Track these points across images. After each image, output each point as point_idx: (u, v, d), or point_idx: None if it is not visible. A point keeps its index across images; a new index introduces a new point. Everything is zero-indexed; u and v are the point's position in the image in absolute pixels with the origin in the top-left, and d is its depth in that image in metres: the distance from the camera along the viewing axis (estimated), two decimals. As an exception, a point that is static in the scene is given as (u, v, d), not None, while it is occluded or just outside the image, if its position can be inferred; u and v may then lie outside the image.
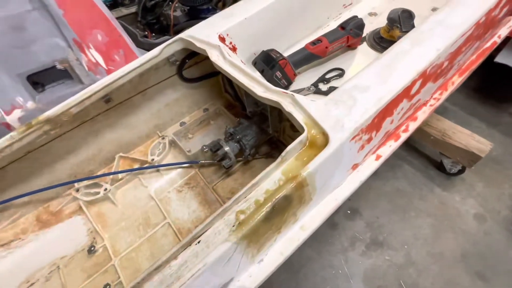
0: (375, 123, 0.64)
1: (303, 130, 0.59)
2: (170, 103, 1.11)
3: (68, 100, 0.76)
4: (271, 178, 0.55)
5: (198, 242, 0.50)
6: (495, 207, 1.20)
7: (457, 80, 0.93)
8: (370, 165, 0.72)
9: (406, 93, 0.68)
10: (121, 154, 1.06)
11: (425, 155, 1.38)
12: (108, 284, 0.83)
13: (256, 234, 0.52)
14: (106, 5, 1.61)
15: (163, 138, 1.10)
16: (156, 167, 1.03)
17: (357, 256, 1.11)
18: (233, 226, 0.51)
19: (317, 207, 0.64)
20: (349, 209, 1.23)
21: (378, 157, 0.74)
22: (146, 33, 1.41)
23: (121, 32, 0.93)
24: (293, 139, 0.97)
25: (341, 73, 1.04)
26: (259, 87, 0.71)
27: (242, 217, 0.52)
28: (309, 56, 1.00)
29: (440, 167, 1.31)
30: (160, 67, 0.96)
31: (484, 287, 1.02)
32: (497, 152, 1.35)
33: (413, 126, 0.81)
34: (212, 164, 1.06)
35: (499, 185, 1.27)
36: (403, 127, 0.80)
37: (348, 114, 0.61)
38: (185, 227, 0.94)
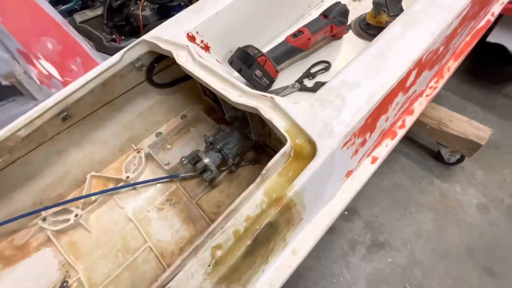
0: (369, 124, 0.56)
1: (286, 140, 0.50)
2: (143, 113, 1.01)
3: (14, 122, 0.65)
4: (252, 201, 0.46)
5: (168, 290, 0.41)
6: (498, 196, 1.14)
7: (452, 65, 0.85)
8: (366, 170, 0.64)
9: (401, 86, 0.60)
10: (92, 173, 0.95)
11: (422, 145, 1.31)
12: (83, 326, 0.73)
13: (238, 272, 0.44)
14: (75, 8, 1.48)
15: (139, 152, 1.00)
16: (132, 186, 0.93)
17: (358, 260, 1.05)
18: (209, 265, 0.42)
19: (309, 225, 0.55)
20: (346, 209, 1.15)
21: (374, 160, 0.65)
22: (114, 36, 1.29)
23: (77, 38, 0.82)
24: (281, 142, 0.89)
25: (327, 66, 0.95)
26: (234, 90, 0.61)
27: (219, 253, 0.43)
28: (290, 50, 0.91)
29: (438, 157, 1.25)
30: (125, 74, 0.86)
31: (493, 283, 0.96)
32: (495, 136, 1.29)
33: (410, 120, 0.73)
34: (195, 177, 0.97)
35: (500, 171, 1.21)
36: (399, 123, 0.72)
37: (337, 116, 0.52)
38: (168, 249, 0.85)
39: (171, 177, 0.94)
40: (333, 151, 0.49)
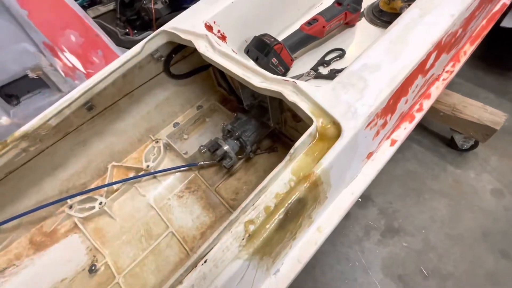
0: (390, 105, 0.57)
1: (311, 121, 0.52)
2: (160, 104, 1.03)
3: (45, 112, 0.68)
4: (281, 180, 0.48)
5: (205, 262, 0.43)
6: (513, 181, 1.15)
7: (469, 49, 0.85)
8: (386, 152, 0.65)
9: (421, 68, 0.60)
10: (113, 163, 0.98)
11: (434, 132, 1.31)
12: (113, 305, 0.77)
13: (270, 246, 0.46)
14: (84, 5, 1.50)
15: (157, 142, 1.03)
16: (153, 174, 0.96)
17: (373, 245, 1.06)
18: (243, 239, 0.44)
19: (332, 205, 0.57)
20: (360, 197, 1.17)
21: (393, 142, 0.67)
22: (127, 30, 1.31)
23: (98, 31, 0.84)
24: (297, 130, 0.90)
25: (341, 53, 0.96)
26: (256, 77, 0.63)
27: (251, 228, 0.45)
28: (305, 38, 0.92)
29: (451, 143, 1.25)
30: (144, 65, 0.88)
31: (509, 265, 0.97)
32: (509, 122, 1.28)
33: (427, 104, 0.74)
34: (212, 165, 0.99)
35: (514, 156, 1.21)
36: (417, 106, 0.73)
37: (360, 98, 0.54)
38: (190, 234, 0.88)
39: (190, 165, 0.96)
40: (357, 131, 0.51)
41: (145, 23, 1.43)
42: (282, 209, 0.45)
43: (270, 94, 0.59)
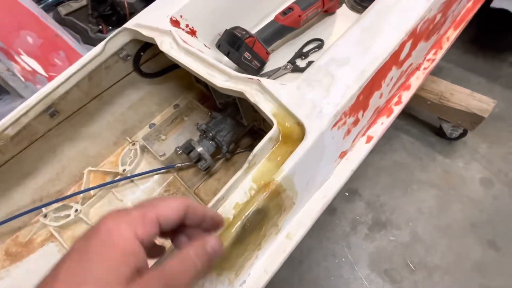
0: (361, 102, 0.53)
1: (272, 122, 0.48)
2: (134, 104, 0.99)
3: (1, 122, 0.64)
4: (241, 188, 0.45)
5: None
6: (502, 169, 1.12)
7: (452, 35, 0.80)
8: (361, 150, 0.62)
9: (394, 60, 0.56)
10: (89, 168, 0.95)
11: (422, 121, 1.28)
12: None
13: (229, 260, 0.43)
14: (62, 0, 1.43)
15: (134, 144, 0.99)
16: (129, 178, 0.93)
17: (360, 240, 1.05)
18: (198, 255, 0.41)
19: (303, 209, 0.54)
20: (347, 191, 1.15)
21: (369, 139, 0.63)
22: (101, 27, 1.25)
23: (58, 31, 0.79)
24: (275, 127, 0.87)
25: (320, 44, 0.91)
26: (220, 75, 0.59)
27: (208, 242, 0.42)
28: (280, 29, 0.87)
29: (439, 132, 1.22)
30: (111, 65, 0.83)
31: (496, 255, 0.96)
32: (500, 107, 1.25)
33: (406, 96, 0.70)
34: (191, 166, 0.96)
35: (504, 143, 1.18)
36: (395, 99, 0.69)
37: (326, 95, 0.50)
38: (169, 240, 0.86)
39: (167, 168, 0.93)
40: (322, 132, 0.47)
41: (121, 18, 1.36)
42: (239, 222, 0.42)
43: (233, 94, 0.56)
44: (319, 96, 0.50)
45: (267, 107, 0.51)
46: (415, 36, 0.59)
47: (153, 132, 1.00)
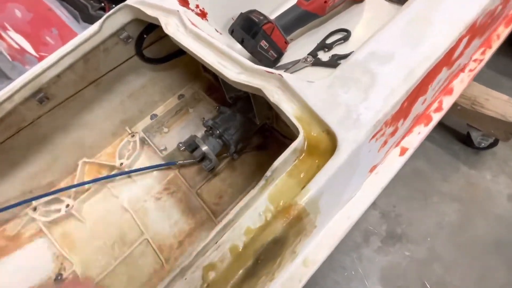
0: (404, 108, 0.44)
1: (297, 130, 0.39)
2: (136, 92, 0.90)
3: (-20, 106, 0.56)
4: (254, 209, 0.37)
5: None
6: (534, 185, 1.02)
7: (503, 32, 0.69)
8: (394, 163, 0.53)
9: (447, 59, 0.46)
10: (84, 159, 0.88)
11: (448, 127, 1.17)
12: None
13: (235, 297, 0.35)
14: None
15: (133, 136, 0.91)
16: (127, 173, 0.86)
17: (372, 253, 0.97)
18: (199, 291, 0.34)
19: (323, 232, 0.46)
20: (360, 198, 1.06)
21: (403, 151, 0.54)
22: (103, 4, 1.15)
23: (52, 5, 0.69)
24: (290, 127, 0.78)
25: (346, 35, 0.80)
26: (233, 66, 0.50)
27: (212, 275, 0.34)
28: (303, 16, 0.77)
29: (466, 140, 1.11)
30: (110, 47, 0.74)
31: (523, 280, 0.88)
32: (535, 117, 1.13)
33: (447, 102, 0.60)
34: (194, 164, 0.88)
35: (538, 157, 1.07)
36: (435, 105, 0.59)
37: (365, 99, 0.40)
38: (167, 243, 0.79)
39: (167, 164, 0.85)
40: (359, 145, 0.38)
41: (126, -4, 1.25)
42: (253, 253, 0.34)
43: (248, 90, 0.46)
44: (356, 99, 0.40)
45: (289, 109, 0.42)
46: (474, 31, 0.48)
47: (154, 123, 0.92)
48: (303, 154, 0.40)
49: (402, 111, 0.44)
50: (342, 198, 0.46)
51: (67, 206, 0.80)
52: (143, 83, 0.90)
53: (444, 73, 0.50)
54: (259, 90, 0.44)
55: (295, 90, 0.42)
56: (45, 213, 0.81)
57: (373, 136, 0.40)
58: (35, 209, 0.81)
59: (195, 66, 0.98)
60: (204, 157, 0.74)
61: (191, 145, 0.73)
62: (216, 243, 0.36)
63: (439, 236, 0.97)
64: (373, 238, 1.00)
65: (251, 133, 0.81)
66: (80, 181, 0.85)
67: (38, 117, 0.72)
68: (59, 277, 0.76)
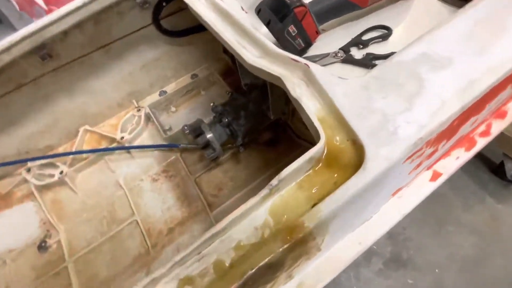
0: (453, 128, 0.35)
1: (317, 134, 0.32)
2: (147, 65, 0.84)
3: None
4: (250, 221, 0.30)
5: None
6: None
7: None
8: (422, 189, 0.45)
9: (516, 74, 0.37)
10: (86, 127, 0.84)
11: (479, 152, 1.06)
12: (55, 293, 0.67)
13: (212, 322, 0.29)
14: None
15: (139, 110, 0.86)
16: (127, 149, 0.81)
17: (372, 274, 0.90)
18: (169, 308, 0.28)
19: (326, 254, 0.39)
20: (368, 213, 0.98)
21: (435, 176, 0.46)
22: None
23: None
24: (307, 129, 0.70)
25: (386, 33, 0.70)
26: (254, 47, 0.43)
27: (187, 291, 0.28)
28: (342, 4, 0.67)
29: (498, 170, 1.01)
30: (125, 11, 0.68)
31: (536, 335, 0.79)
32: None
33: (497, 126, 0.51)
34: (198, 149, 0.82)
35: None
36: (482, 128, 0.50)
37: (408, 109, 0.33)
38: (156, 228, 0.75)
39: (169, 146, 0.80)
40: (391, 165, 0.31)
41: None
42: (239, 276, 0.28)
43: (266, 78, 0.39)
44: (396, 107, 0.33)
45: (311, 107, 0.34)
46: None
47: (163, 100, 0.86)
48: (320, 165, 0.33)
49: (449, 130, 0.36)
50: (355, 221, 0.39)
51: (61, 172, 0.77)
52: (157, 56, 0.84)
53: (508, 91, 0.41)
54: (279, 79, 0.37)
55: (322, 85, 0.35)
56: (39, 176, 0.78)
57: (409, 157, 0.33)
58: (29, 170, 0.78)
59: (215, 45, 0.91)
60: (208, 144, 0.68)
61: (196, 130, 0.67)
62: (199, 253, 0.30)
63: (450, 269, 0.88)
64: (375, 258, 0.92)
65: (262, 126, 0.74)
66: (79, 149, 0.82)
67: (41, 75, 0.68)
68: (43, 244, 0.73)
